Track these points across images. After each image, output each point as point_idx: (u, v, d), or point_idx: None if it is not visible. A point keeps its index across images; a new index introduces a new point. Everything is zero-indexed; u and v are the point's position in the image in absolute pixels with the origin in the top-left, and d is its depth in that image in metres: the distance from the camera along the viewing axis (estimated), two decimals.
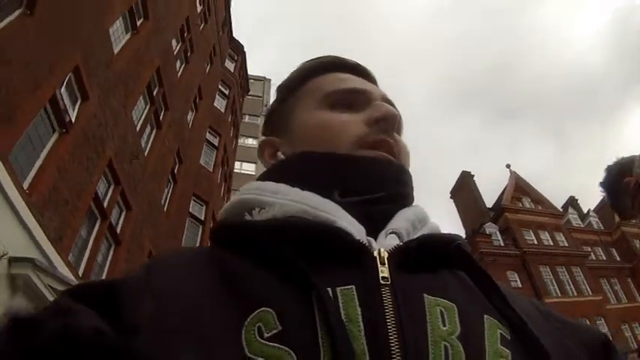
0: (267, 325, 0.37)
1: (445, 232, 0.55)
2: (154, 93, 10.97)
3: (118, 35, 9.11)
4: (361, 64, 0.70)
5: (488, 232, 29.39)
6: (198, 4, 15.20)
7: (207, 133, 16.11)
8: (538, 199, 33.73)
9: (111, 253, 8.49)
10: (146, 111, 10.63)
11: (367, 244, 0.45)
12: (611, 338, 0.54)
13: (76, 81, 7.17)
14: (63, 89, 6.80)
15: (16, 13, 5.70)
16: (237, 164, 22.58)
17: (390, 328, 0.38)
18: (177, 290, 0.41)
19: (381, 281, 0.41)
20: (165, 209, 11.63)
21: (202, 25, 15.77)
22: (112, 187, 8.58)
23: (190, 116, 14.41)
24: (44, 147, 6.38)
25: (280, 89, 0.71)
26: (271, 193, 0.51)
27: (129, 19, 9.55)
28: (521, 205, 32.51)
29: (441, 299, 0.41)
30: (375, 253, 0.44)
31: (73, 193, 6.89)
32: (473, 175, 36.00)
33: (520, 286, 26.12)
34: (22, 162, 5.90)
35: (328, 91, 0.62)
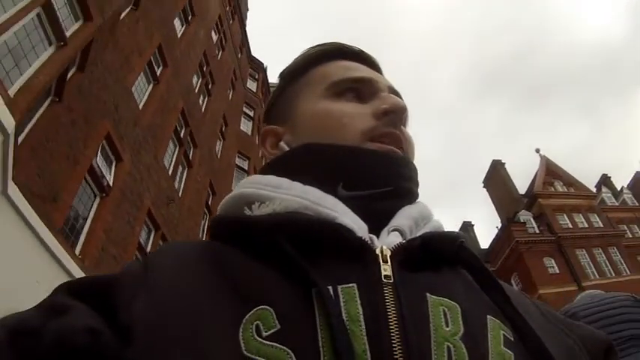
0: (266, 324, 0.36)
1: (448, 230, 0.54)
2: (181, 134, 11.25)
3: (141, 89, 9.33)
4: (365, 50, 0.67)
5: (522, 221, 28.81)
6: (213, 34, 15.11)
7: (237, 158, 16.27)
8: (570, 181, 32.77)
9: None
10: (176, 153, 10.93)
11: (369, 242, 0.44)
12: None
13: (109, 146, 7.68)
14: (98, 157, 7.32)
15: (46, 103, 6.11)
16: None
17: (392, 328, 0.36)
18: (173, 287, 0.40)
19: (384, 279, 0.40)
20: None
21: (220, 54, 15.75)
22: (152, 233, 9.17)
23: (219, 146, 14.59)
24: (89, 213, 6.99)
25: (283, 76, 0.68)
26: (272, 187, 0.50)
27: (149, 72, 9.75)
28: (553, 189, 31.67)
29: (444, 299, 0.40)
30: (378, 251, 0.43)
31: (119, 247, 7.52)
32: (504, 164, 35.43)
33: (557, 271, 25.73)
34: (71, 231, 6.54)
35: (334, 80, 0.60)
